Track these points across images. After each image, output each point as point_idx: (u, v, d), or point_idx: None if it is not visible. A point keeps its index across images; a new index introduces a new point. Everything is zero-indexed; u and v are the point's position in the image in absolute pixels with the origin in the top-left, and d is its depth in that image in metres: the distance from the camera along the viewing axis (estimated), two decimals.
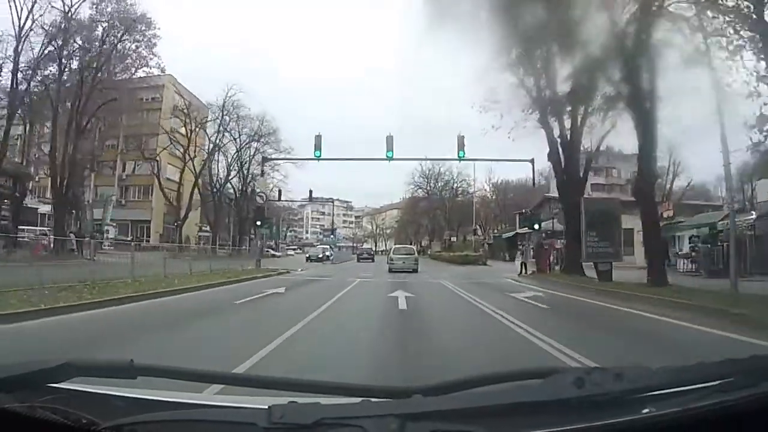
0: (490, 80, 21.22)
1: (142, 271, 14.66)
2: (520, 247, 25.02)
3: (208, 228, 53.72)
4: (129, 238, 51.59)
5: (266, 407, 0.90)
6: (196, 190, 46.04)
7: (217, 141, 46.46)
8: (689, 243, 25.22)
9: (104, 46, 39.45)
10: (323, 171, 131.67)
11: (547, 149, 21.30)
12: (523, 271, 24.41)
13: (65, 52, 35.49)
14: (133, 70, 48.93)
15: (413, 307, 10.98)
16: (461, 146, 25.44)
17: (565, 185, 21.16)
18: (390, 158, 25.00)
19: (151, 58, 42.71)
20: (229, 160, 49.69)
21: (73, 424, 0.94)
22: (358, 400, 1.00)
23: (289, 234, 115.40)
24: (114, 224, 48.61)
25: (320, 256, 45.35)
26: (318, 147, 24.92)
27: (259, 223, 24.98)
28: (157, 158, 45.88)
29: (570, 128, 20.61)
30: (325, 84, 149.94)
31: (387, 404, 0.98)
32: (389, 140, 25.04)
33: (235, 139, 46.07)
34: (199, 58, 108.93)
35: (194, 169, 44.37)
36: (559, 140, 20.80)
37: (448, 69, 48.00)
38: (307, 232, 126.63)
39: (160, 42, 36.58)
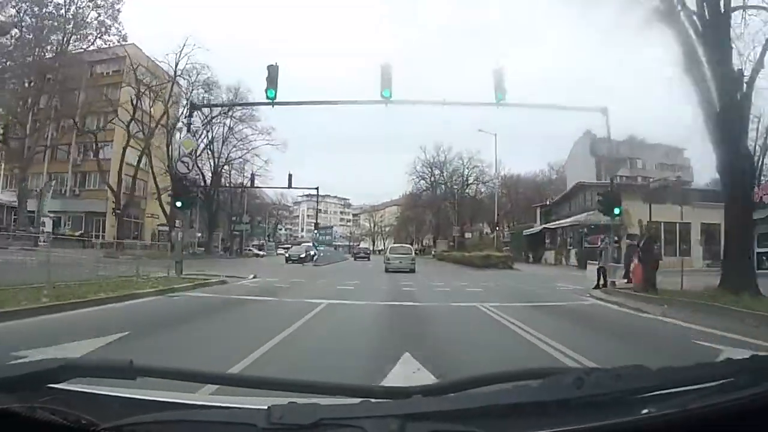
0: None
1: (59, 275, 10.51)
2: (601, 244, 14.99)
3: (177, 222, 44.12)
4: (78, 233, 42.80)
5: (266, 407, 0.87)
6: (149, 175, 36.14)
7: (180, 114, 36.53)
8: None
9: None
10: (321, 169, 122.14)
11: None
12: (600, 281, 14.58)
13: None
14: (92, 39, 40.76)
15: None
16: (499, 86, 15.57)
17: (720, 128, 11.03)
18: (387, 98, 15.16)
19: (115, 26, 34.39)
20: (197, 141, 39.70)
21: (72, 424, 0.91)
22: (358, 400, 0.95)
23: (284, 232, 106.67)
24: (52, 216, 38.90)
25: (302, 255, 35.63)
26: (272, 84, 15.07)
27: (179, 204, 15.14)
28: (95, 133, 36.19)
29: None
30: (326, 81, 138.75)
31: (387, 405, 0.94)
32: (385, 73, 15.19)
33: (199, 109, 36.17)
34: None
35: (146, 133, 34.19)
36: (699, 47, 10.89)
37: None
38: (302, 230, 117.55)
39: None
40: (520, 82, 62.26)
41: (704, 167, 35.13)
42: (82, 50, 39.83)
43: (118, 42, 39.98)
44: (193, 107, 23.48)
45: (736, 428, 0.89)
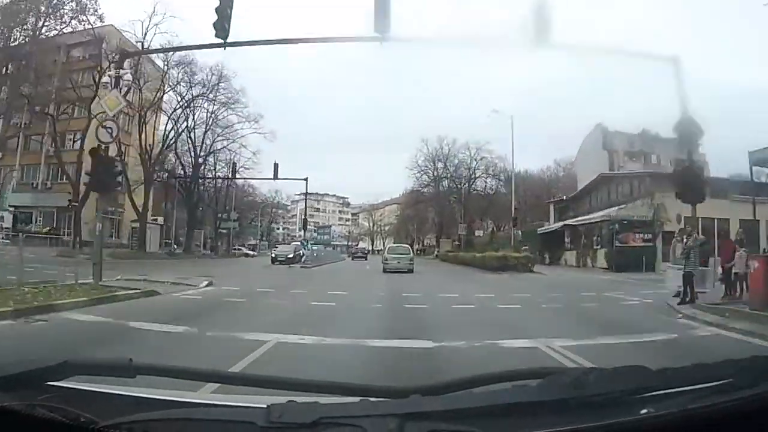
0: None
1: None
2: (688, 240, 10.40)
3: (156, 218, 39.63)
4: (46, 230, 38.63)
5: (265, 406, 0.86)
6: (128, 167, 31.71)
7: (158, 97, 32.07)
8: None
9: None
10: (320, 168, 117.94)
11: None
12: (687, 294, 10.08)
13: None
14: (67, 19, 36.59)
15: None
16: (540, 23, 11.06)
17: None
18: (383, 37, 10.69)
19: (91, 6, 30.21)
20: (176, 126, 35.21)
21: (72, 422, 0.90)
22: (357, 399, 0.94)
23: (281, 231, 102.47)
24: (12, 210, 34.57)
25: (290, 256, 31.40)
26: (224, 16, 10.62)
27: (95, 184, 10.71)
28: (53, 116, 31.88)
29: None
30: (323, 80, 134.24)
31: (386, 404, 0.92)
32: None
33: (173, 88, 31.88)
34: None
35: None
36: None
37: None
38: (300, 230, 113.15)
39: None
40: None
41: (716, 166, 31.01)
42: (57, 31, 35.77)
43: (92, 25, 35.76)
44: (125, 55, 18.96)
45: (735, 429, 0.87)
